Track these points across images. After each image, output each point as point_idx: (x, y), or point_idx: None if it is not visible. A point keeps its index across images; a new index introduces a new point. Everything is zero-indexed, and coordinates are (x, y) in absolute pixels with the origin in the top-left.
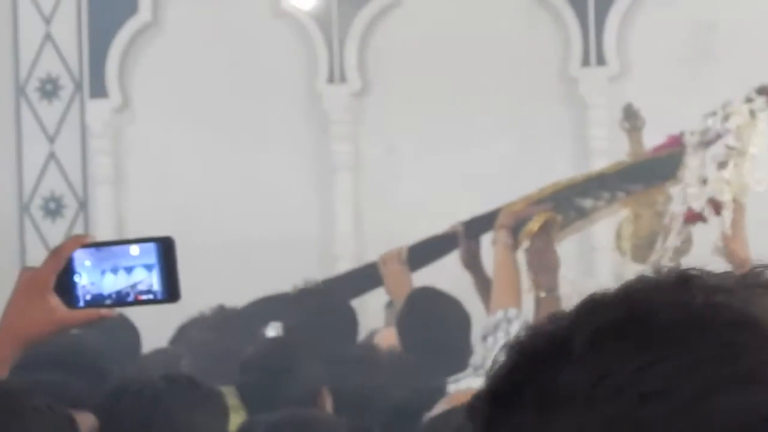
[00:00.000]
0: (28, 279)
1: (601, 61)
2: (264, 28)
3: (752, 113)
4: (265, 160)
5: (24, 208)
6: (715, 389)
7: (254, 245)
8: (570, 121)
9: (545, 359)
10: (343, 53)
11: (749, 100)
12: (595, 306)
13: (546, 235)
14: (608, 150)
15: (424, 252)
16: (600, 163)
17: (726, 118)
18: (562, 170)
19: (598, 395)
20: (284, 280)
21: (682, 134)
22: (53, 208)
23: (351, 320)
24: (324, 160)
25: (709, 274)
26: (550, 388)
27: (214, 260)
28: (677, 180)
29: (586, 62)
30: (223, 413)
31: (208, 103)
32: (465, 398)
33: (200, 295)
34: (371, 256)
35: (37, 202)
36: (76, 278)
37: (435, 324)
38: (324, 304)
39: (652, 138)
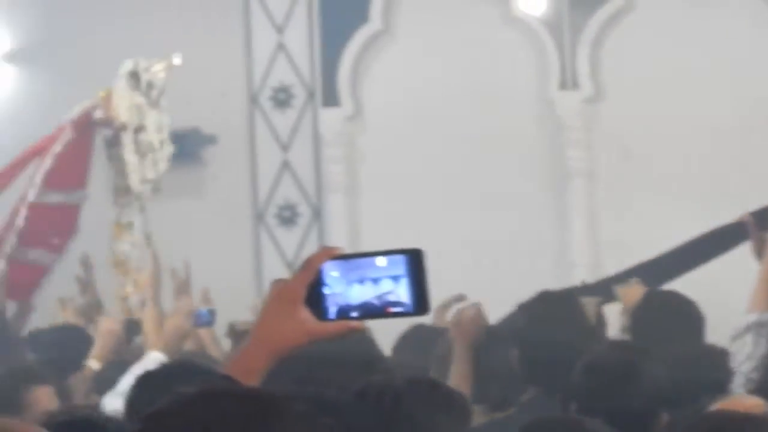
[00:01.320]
0: (280, 291)
1: None
2: (495, 34)
3: None
4: (497, 166)
5: (259, 217)
6: None
7: (488, 250)
8: None
9: None
10: (575, 59)
11: None
12: None
13: None
14: None
15: (708, 246)
16: None
17: None
18: None
19: None
20: (520, 286)
21: None
22: (288, 216)
23: (697, 319)
24: (557, 167)
25: None
26: None
27: (446, 266)
28: None
29: None
30: (465, 416)
31: (439, 110)
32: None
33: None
34: (607, 264)
35: (272, 210)
36: (326, 290)
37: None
38: (667, 304)
39: None
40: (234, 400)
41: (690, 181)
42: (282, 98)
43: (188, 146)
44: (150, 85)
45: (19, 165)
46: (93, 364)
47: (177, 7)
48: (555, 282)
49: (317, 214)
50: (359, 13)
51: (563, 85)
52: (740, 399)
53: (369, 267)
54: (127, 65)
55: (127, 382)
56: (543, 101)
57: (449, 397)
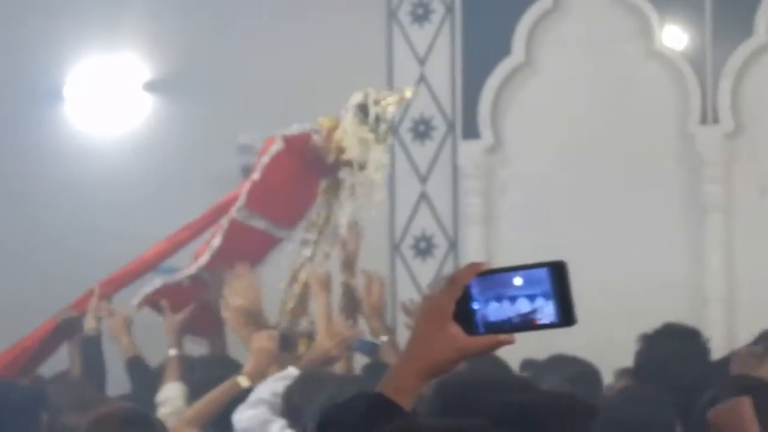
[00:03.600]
0: (429, 308)
1: None
2: (637, 68)
3: None
4: (636, 200)
5: (395, 248)
6: None
7: (626, 285)
8: None
9: None
10: (716, 94)
11: None
12: None
13: None
14: None
15: None
16: None
17: None
18: None
19: None
20: (654, 322)
21: None
22: (424, 248)
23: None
24: (695, 201)
25: None
26: None
27: (587, 301)
28: None
29: None
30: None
31: (580, 143)
32: None
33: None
34: (744, 299)
35: (408, 241)
36: (474, 305)
37: None
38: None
39: None
40: None
41: None
42: (422, 130)
43: None
44: (378, 119)
45: (221, 208)
46: (242, 381)
47: (318, 37)
48: (688, 317)
49: (453, 245)
50: (502, 45)
51: (704, 120)
52: None
53: (517, 282)
54: (357, 97)
55: (259, 393)
56: (683, 135)
57: (588, 408)
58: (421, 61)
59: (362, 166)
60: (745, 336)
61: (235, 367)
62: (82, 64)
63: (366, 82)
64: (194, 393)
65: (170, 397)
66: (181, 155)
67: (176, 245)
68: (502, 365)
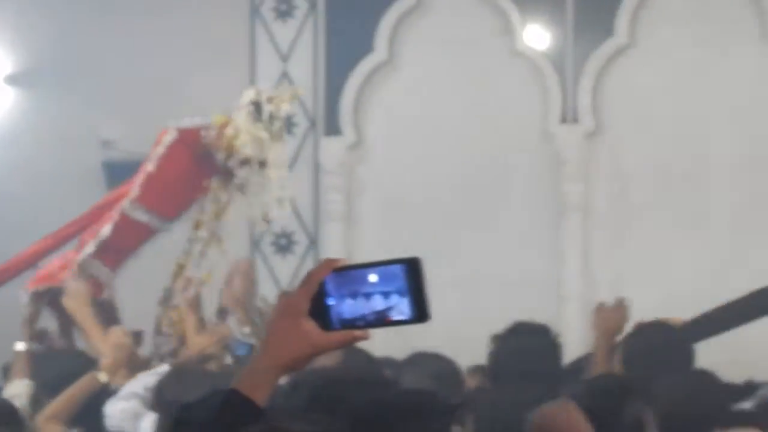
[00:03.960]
0: (284, 305)
1: None
2: (499, 67)
3: None
4: (496, 198)
5: (255, 245)
6: None
7: (483, 283)
8: None
9: None
10: (576, 94)
11: None
12: None
13: None
14: None
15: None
16: None
17: None
18: None
19: None
20: (510, 320)
21: None
22: (284, 245)
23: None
24: (554, 200)
25: None
26: None
27: (440, 297)
28: None
29: None
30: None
31: (440, 141)
32: None
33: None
34: (601, 298)
35: (268, 238)
36: (330, 301)
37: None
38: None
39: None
40: None
41: (688, 217)
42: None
43: None
44: (272, 117)
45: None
46: (101, 376)
47: (181, 34)
48: (545, 316)
49: (313, 243)
50: (365, 43)
51: (564, 119)
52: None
53: (371, 279)
54: (249, 94)
55: (130, 387)
56: (544, 134)
57: (448, 406)
58: (284, 58)
59: (262, 165)
60: None
61: (89, 362)
62: None
63: (227, 81)
64: (49, 388)
65: (16, 393)
66: (43, 149)
67: (61, 241)
68: (374, 362)
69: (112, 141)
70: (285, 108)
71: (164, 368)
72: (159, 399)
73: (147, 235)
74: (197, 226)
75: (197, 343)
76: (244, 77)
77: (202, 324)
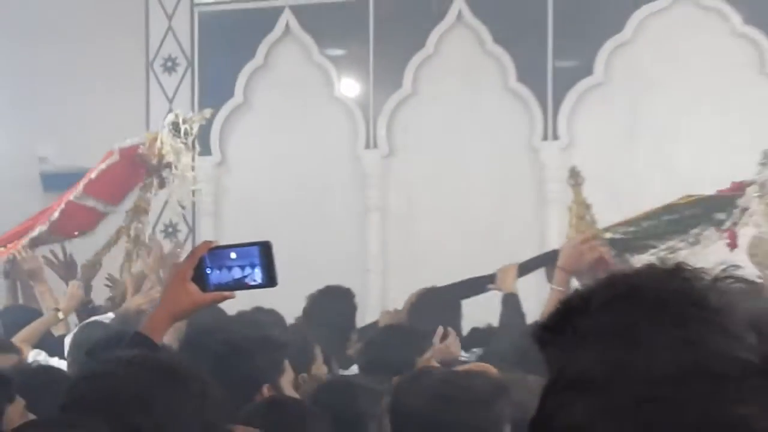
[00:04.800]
0: (174, 272)
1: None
2: (322, 109)
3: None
4: (319, 204)
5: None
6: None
7: (313, 257)
8: None
9: (574, 309)
10: (376, 127)
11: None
12: (609, 281)
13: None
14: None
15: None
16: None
17: None
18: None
19: (600, 339)
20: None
21: (743, 182)
22: (170, 232)
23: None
24: (361, 204)
25: (698, 268)
26: (574, 328)
27: (288, 271)
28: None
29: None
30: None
31: (283, 161)
32: None
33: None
34: (395, 272)
35: (159, 227)
36: (207, 271)
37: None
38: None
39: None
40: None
41: (455, 215)
42: None
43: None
44: (186, 133)
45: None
46: (60, 314)
47: (90, 84)
48: (353, 284)
49: (192, 231)
50: (227, 90)
51: (367, 146)
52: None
53: (233, 256)
54: (171, 117)
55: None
56: (354, 157)
57: (280, 342)
58: (170, 100)
59: (176, 167)
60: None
61: (35, 313)
62: None
63: (130, 114)
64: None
65: None
66: None
67: (4, 241)
68: (227, 316)
69: (46, 157)
70: (196, 127)
71: (109, 315)
72: (79, 340)
73: (96, 217)
74: (134, 210)
75: (134, 300)
76: (141, 113)
77: (138, 288)
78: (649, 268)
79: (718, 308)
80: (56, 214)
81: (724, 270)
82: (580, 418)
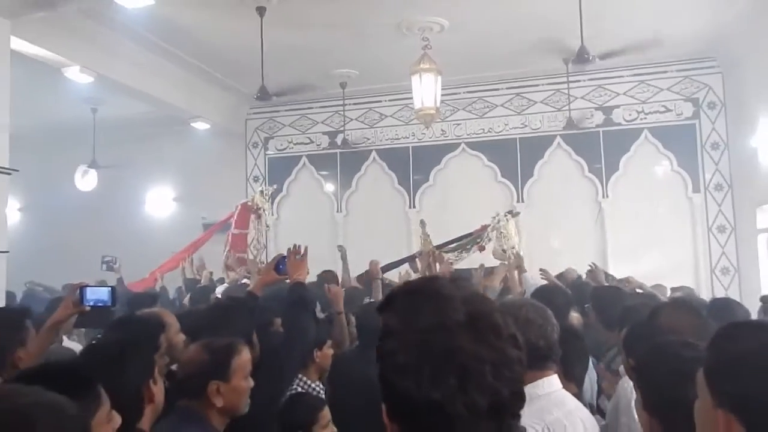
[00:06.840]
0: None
1: None
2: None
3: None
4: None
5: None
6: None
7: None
8: None
9: (391, 295)
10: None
11: (507, 213)
12: (407, 284)
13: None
14: None
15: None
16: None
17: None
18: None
19: (398, 310)
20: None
21: (486, 224)
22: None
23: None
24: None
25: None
26: (390, 304)
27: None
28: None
29: None
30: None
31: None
32: None
33: None
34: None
35: (254, 243)
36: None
37: None
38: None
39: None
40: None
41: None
42: None
43: None
44: (264, 194)
45: (216, 226)
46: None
47: (219, 189)
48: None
49: (266, 246)
50: (280, 186)
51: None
52: None
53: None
54: (259, 187)
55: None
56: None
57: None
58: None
59: (264, 211)
60: None
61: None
62: None
63: (237, 197)
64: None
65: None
66: None
67: (176, 261)
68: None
69: (206, 216)
70: (268, 194)
71: (225, 285)
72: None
73: (243, 238)
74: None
75: (232, 276)
76: (243, 195)
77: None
78: (431, 278)
79: (448, 295)
80: (229, 239)
81: (456, 277)
82: (390, 347)
